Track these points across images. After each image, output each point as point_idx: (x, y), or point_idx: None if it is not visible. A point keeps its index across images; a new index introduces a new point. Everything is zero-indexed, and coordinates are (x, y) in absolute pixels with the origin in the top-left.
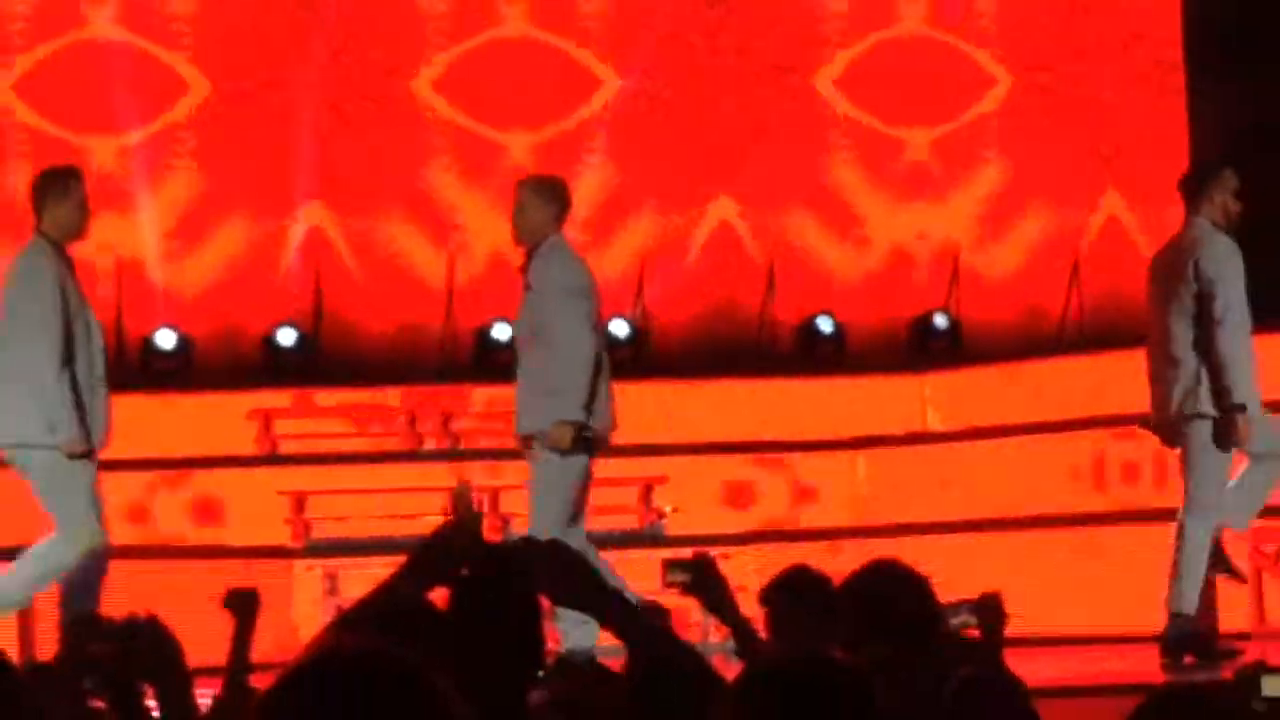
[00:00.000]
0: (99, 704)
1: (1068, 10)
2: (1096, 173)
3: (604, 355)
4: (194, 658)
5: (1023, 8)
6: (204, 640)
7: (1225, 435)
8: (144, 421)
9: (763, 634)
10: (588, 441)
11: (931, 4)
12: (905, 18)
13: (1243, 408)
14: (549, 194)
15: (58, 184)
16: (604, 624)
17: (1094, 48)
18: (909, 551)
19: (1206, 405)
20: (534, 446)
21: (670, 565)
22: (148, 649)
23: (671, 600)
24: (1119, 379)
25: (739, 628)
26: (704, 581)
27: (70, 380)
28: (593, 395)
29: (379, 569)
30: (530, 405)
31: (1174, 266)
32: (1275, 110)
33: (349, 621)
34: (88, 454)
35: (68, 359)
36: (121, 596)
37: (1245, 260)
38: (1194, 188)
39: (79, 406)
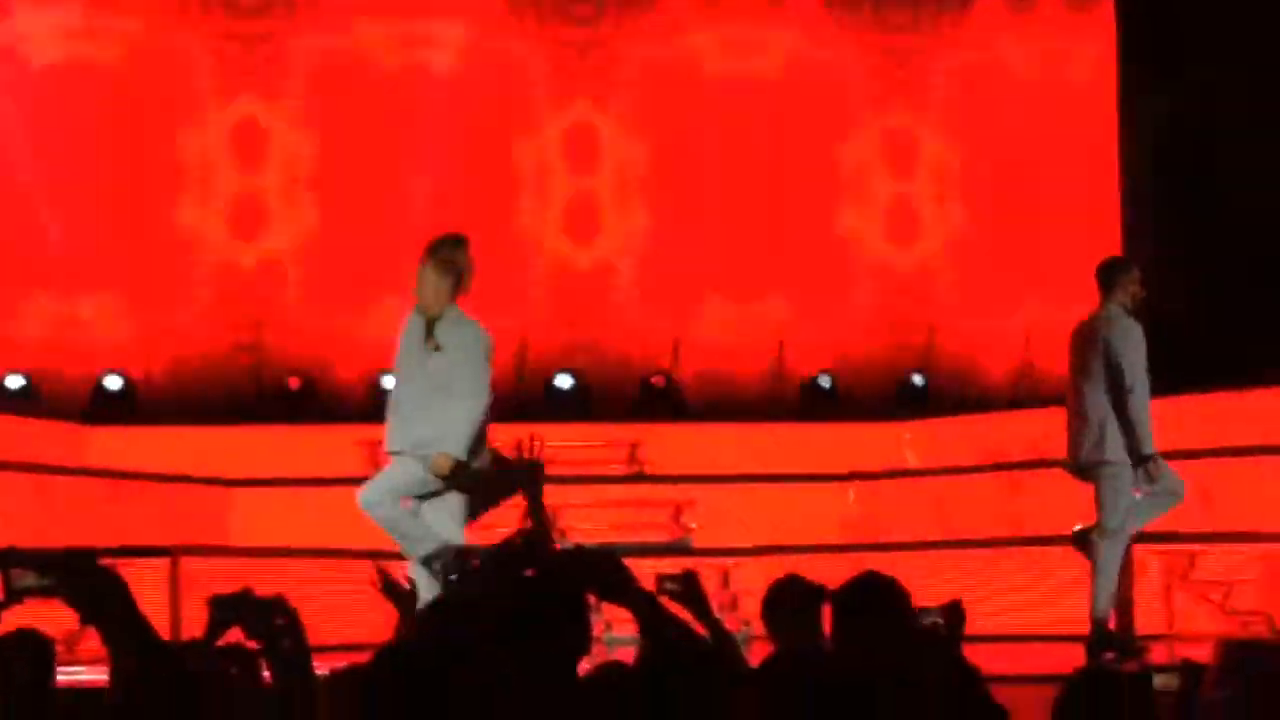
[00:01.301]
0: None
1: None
2: (1040, 270)
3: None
4: None
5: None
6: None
7: (1141, 477)
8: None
9: (763, 630)
10: (462, 475)
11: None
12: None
13: (1153, 457)
14: (445, 270)
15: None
16: (638, 618)
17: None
18: (889, 564)
19: (1111, 453)
20: (404, 456)
21: (663, 577)
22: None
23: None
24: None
25: (715, 628)
26: (689, 591)
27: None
28: (479, 441)
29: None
30: (418, 428)
31: (1089, 341)
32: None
33: (431, 612)
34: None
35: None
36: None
37: None
38: (1106, 279)
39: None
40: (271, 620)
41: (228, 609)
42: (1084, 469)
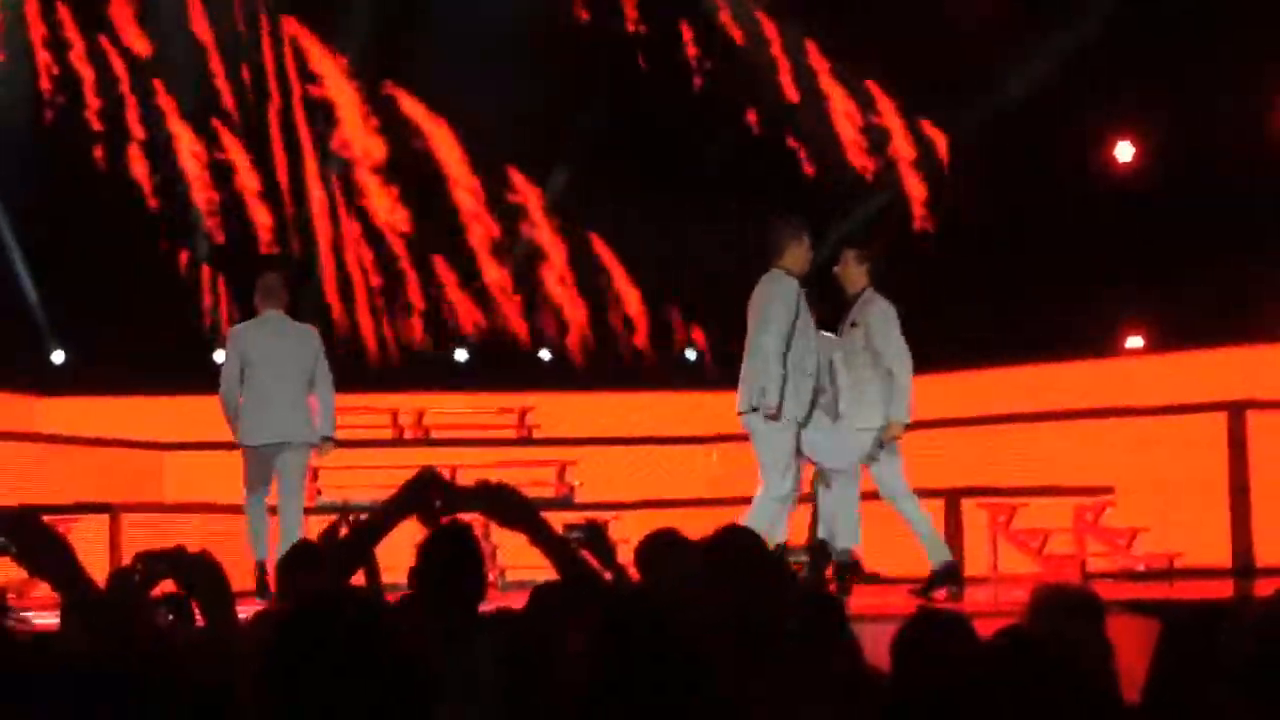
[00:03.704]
0: None
1: None
2: None
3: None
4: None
5: None
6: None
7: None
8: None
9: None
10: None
11: None
12: None
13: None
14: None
15: (792, 230)
16: (534, 542)
17: None
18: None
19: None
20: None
21: (569, 527)
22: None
23: None
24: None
25: (619, 575)
26: (594, 540)
27: (784, 366)
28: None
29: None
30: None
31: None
32: None
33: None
34: (778, 419)
35: (785, 351)
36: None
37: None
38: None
39: (784, 385)
40: (203, 573)
41: (163, 563)
42: None
